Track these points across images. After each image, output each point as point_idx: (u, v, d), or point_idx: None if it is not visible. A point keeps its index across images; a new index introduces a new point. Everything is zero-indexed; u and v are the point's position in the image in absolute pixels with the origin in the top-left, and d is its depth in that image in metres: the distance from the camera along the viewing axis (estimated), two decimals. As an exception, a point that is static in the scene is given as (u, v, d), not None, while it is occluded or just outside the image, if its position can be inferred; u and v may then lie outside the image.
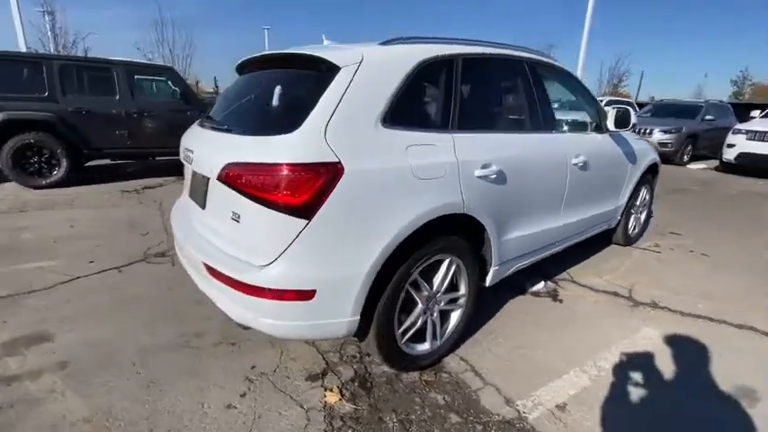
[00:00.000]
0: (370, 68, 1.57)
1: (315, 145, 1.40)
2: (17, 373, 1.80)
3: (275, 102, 1.62)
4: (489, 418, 1.65)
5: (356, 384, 1.82)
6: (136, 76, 5.64)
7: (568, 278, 2.99)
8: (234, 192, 1.48)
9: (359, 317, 1.56)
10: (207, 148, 1.71)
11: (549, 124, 2.40)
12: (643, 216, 3.77)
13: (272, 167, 1.38)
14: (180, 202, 2.34)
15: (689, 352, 2.14)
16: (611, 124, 2.83)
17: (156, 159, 6.29)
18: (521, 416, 1.66)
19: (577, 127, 2.70)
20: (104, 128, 5.34)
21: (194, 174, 1.89)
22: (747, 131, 7.65)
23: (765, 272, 3.24)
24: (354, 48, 1.63)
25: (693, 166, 9.26)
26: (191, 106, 5.97)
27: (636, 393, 1.81)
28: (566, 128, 2.55)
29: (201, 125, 1.97)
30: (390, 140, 1.57)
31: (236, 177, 1.46)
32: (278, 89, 1.64)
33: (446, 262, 1.85)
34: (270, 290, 1.43)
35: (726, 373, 1.96)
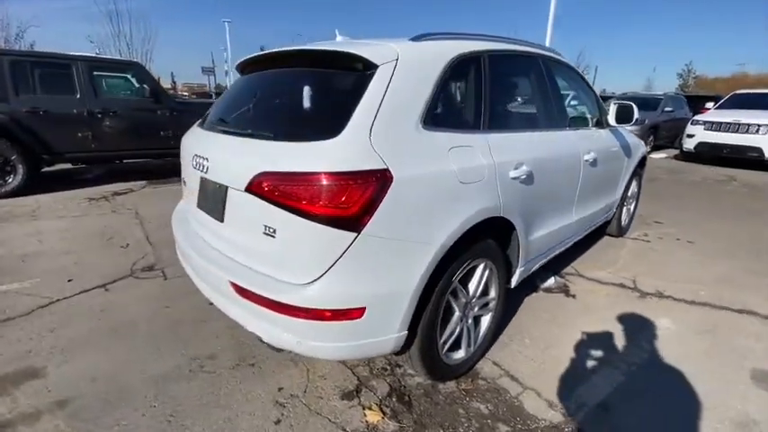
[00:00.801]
0: (407, 66, 1.47)
1: (361, 151, 1.29)
2: (9, 418, 1.57)
3: (307, 103, 1.48)
4: (537, 424, 1.62)
5: (394, 400, 1.73)
6: (99, 73, 5.18)
7: (575, 272, 3.04)
8: (268, 204, 1.34)
9: (407, 331, 1.47)
10: (227, 155, 1.54)
11: (564, 121, 2.40)
12: (632, 207, 3.90)
13: (315, 176, 1.25)
14: (182, 211, 2.14)
15: (706, 340, 2.21)
16: (612, 119, 2.88)
17: (123, 162, 5.83)
18: (567, 419, 1.64)
19: (583, 123, 2.72)
20: (65, 130, 4.87)
21: (205, 182, 1.71)
22: (705, 122, 8.17)
23: (742, 254, 3.45)
24: (384, 44, 1.52)
25: (656, 155, 9.80)
26: (161, 105, 5.57)
27: (668, 384, 1.85)
28: (576, 124, 2.56)
29: (211, 128, 1.78)
30: (433, 143, 1.49)
31: (271, 188, 1.32)
32: (307, 90, 1.50)
33: (481, 266, 1.79)
34: (315, 310, 1.31)
35: (743, 359, 2.04)
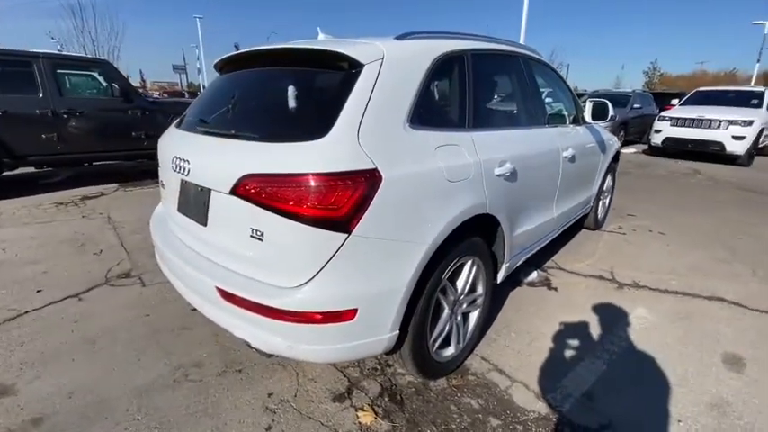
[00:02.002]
0: (392, 65, 1.46)
1: (350, 151, 1.28)
2: (-22, 441, 1.48)
3: (292, 103, 1.44)
4: (526, 416, 1.65)
5: (386, 399, 1.73)
6: (64, 71, 4.92)
7: (556, 266, 3.12)
8: (254, 207, 1.31)
9: (398, 331, 1.47)
10: (209, 157, 1.49)
11: (544, 118, 2.45)
12: (608, 201, 4.04)
13: (304, 178, 1.23)
14: (160, 214, 2.06)
15: (679, 327, 2.31)
16: (588, 116, 2.97)
17: (92, 165, 5.58)
18: (554, 409, 1.68)
19: (561, 120, 2.79)
20: (27, 131, 4.61)
21: (186, 185, 1.65)
22: (671, 118, 8.54)
23: (709, 243, 3.63)
24: (369, 43, 1.51)
25: (626, 150, 10.16)
26: (131, 104, 5.36)
27: (647, 371, 1.92)
28: (555, 121, 2.62)
29: (190, 129, 1.72)
30: (420, 142, 1.49)
31: (258, 191, 1.29)
32: (292, 89, 1.46)
33: (468, 263, 1.81)
34: (306, 313, 1.29)
35: (715, 344, 2.15)
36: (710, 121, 7.95)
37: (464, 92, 1.79)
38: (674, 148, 8.59)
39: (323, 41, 1.56)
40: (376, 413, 1.65)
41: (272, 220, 1.29)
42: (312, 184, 1.23)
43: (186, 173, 1.56)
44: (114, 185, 5.50)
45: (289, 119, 1.46)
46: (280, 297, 1.31)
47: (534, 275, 2.89)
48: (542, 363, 1.97)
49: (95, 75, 5.33)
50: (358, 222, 1.27)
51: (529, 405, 1.71)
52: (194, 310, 2.33)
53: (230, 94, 1.76)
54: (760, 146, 8.18)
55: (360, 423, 1.60)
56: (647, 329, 2.28)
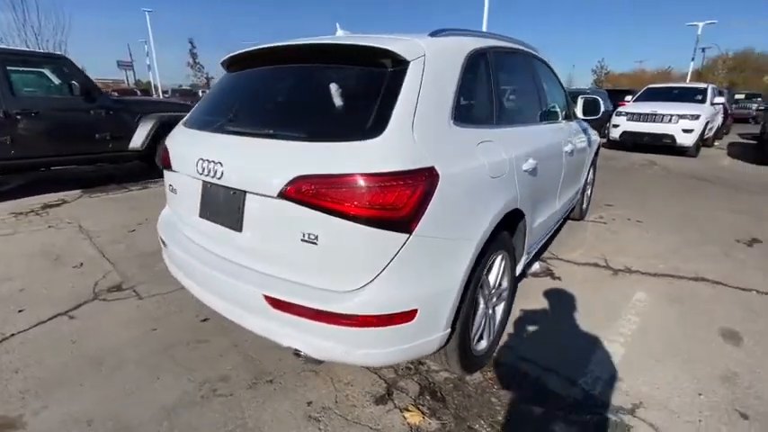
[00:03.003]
0: (434, 62, 1.45)
1: (408, 149, 1.25)
2: (-7, 484, 1.31)
3: (338, 101, 1.39)
4: (564, 402, 1.71)
5: (428, 398, 1.73)
6: (15, 68, 4.45)
7: (553, 256, 3.25)
8: (308, 209, 1.26)
9: (450, 329, 1.47)
10: (248, 159, 1.40)
11: (549, 115, 2.54)
12: (590, 193, 4.26)
13: (364, 178, 1.19)
14: (169, 220, 1.92)
15: (676, 307, 2.49)
16: (579, 112, 3.11)
17: (51, 170, 5.10)
18: (588, 393, 1.76)
19: (561, 116, 2.90)
20: (-26, 135, 4.12)
21: (213, 189, 1.56)
22: (627, 113, 9.14)
23: (681, 228, 3.94)
24: (409, 39, 1.48)
25: (586, 144, 10.76)
26: (94, 103, 4.95)
27: (660, 350, 2.05)
28: (557, 117, 2.72)
29: (214, 129, 1.61)
30: (464, 139, 1.49)
31: (312, 193, 1.24)
32: (335, 86, 1.41)
33: (499, 258, 1.84)
34: (366, 317, 1.26)
35: (710, 321, 2.33)
36: (663, 115, 8.59)
37: (490, 89, 1.81)
38: (631, 141, 9.20)
39: (360, 37, 1.51)
40: (423, 413, 1.64)
41: (329, 223, 1.24)
42: (373, 184, 1.19)
43: (217, 175, 1.46)
44: (77, 192, 5.06)
45: (337, 117, 1.40)
46: (337, 302, 1.27)
47: (537, 267, 3.00)
48: (565, 349, 2.05)
49: (51, 72, 4.86)
50: (418, 222, 1.25)
51: (564, 391, 1.77)
52: (205, 320, 2.24)
53: (255, 92, 1.67)
54: (705, 138, 8.95)
55: (409, 424, 1.59)
56: (650, 312, 2.43)
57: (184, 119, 1.96)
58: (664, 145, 8.71)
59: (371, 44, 1.40)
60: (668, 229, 3.93)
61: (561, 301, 2.53)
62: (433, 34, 1.61)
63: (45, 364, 1.89)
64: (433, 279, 1.34)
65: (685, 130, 8.36)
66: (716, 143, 10.80)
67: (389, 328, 1.30)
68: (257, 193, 1.38)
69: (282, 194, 1.29)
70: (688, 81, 25.68)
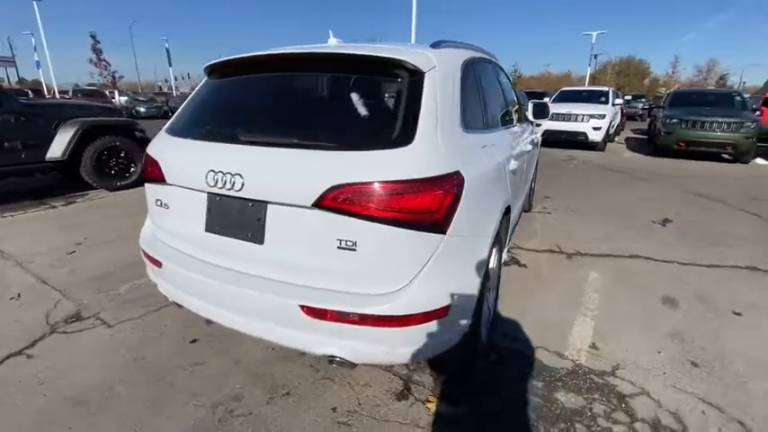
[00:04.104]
0: (443, 72, 1.56)
1: (438, 156, 1.34)
2: None
3: (362, 110, 1.41)
4: (559, 373, 1.93)
5: (444, 387, 1.83)
6: None
7: (514, 245, 3.56)
8: (345, 217, 1.28)
9: (471, 320, 1.59)
10: (275, 170, 1.37)
11: (513, 117, 2.79)
12: (534, 186, 4.72)
13: (403, 185, 1.26)
14: (160, 238, 1.78)
15: (623, 282, 2.90)
16: (530, 115, 3.45)
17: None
18: (576, 363, 2.00)
19: (519, 118, 3.20)
20: None
21: (222, 201, 1.49)
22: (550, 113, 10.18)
23: (609, 214, 4.55)
24: (420, 51, 1.57)
25: (514, 142, 11.76)
26: (0, 108, 4.24)
27: (622, 318, 2.39)
28: (516, 120, 3.00)
29: (225, 139, 1.53)
30: (472, 143, 1.62)
31: (350, 201, 1.27)
32: (356, 96, 1.44)
33: (495, 250, 2.01)
34: (407, 316, 1.33)
35: (652, 291, 2.77)
36: (576, 115, 9.73)
37: (480, 96, 1.97)
38: (552, 139, 10.26)
39: (369, 47, 1.55)
40: (451, 402, 1.74)
41: (368, 229, 1.28)
42: (410, 190, 1.26)
43: (235, 187, 1.41)
44: (-21, 212, 4.30)
45: (364, 127, 1.43)
46: (380, 304, 1.32)
47: (506, 256, 3.27)
48: (547, 327, 2.30)
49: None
50: (450, 223, 1.35)
51: (556, 364, 2.00)
52: (194, 341, 2.10)
53: (270, 100, 1.62)
54: (609, 134, 10.32)
55: (433, 413, 1.68)
56: (605, 288, 2.81)
57: (169, 127, 1.83)
58: (578, 141, 9.86)
59: (389, 55, 1.46)
60: (599, 216, 4.52)
61: (533, 286, 2.81)
62: (435, 46, 1.72)
63: (15, 411, 1.64)
64: (461, 275, 1.45)
65: (595, 128, 9.55)
66: (616, 139, 12.49)
67: (427, 325, 1.37)
68: (286, 204, 1.36)
69: (317, 204, 1.29)
70: (587, 84, 29.23)
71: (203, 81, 1.92)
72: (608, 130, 9.84)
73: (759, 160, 8.70)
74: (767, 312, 2.50)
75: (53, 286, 2.70)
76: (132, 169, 5.39)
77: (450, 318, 1.43)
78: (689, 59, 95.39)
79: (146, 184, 1.84)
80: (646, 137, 12.44)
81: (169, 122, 1.87)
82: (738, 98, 9.47)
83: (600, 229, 4.05)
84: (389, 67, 1.47)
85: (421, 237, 1.30)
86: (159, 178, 1.68)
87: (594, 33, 30.38)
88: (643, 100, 23.98)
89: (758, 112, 9.21)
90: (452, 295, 1.42)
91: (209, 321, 2.26)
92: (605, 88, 11.20)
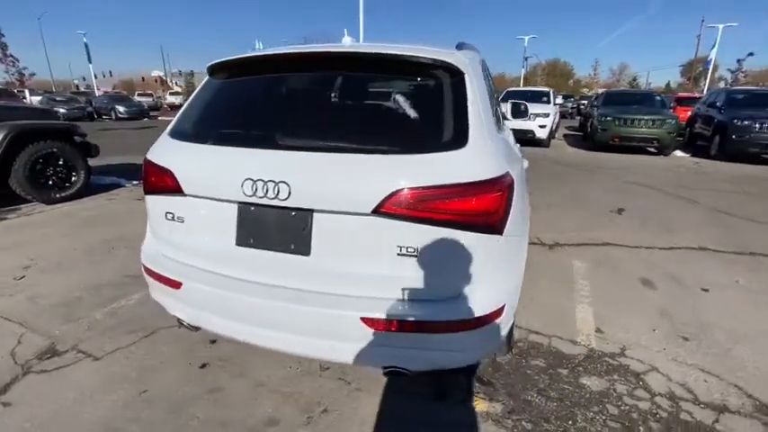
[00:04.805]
0: (474, 74, 1.56)
1: (492, 157, 1.35)
2: None
3: (411, 112, 1.37)
4: (577, 359, 2.05)
5: (478, 385, 1.85)
6: None
7: (500, 240, 3.70)
8: (405, 222, 1.25)
9: (514, 317, 1.62)
10: (327, 176, 1.29)
11: (504, 117, 2.89)
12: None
13: (465, 187, 1.25)
14: (170, 255, 1.60)
15: (602, 267, 3.14)
16: (509, 115, 3.60)
17: None
18: (589, 348, 2.13)
19: (507, 118, 3.32)
20: None
21: (255, 211, 1.38)
22: (498, 112, 10.72)
23: (573, 206, 4.91)
24: (453, 52, 1.57)
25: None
26: None
27: (614, 302, 2.59)
28: (505, 119, 3.11)
29: (257, 144, 1.40)
30: (504, 144, 1.64)
31: (413, 206, 1.23)
32: (401, 97, 1.39)
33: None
34: (472, 319, 1.32)
35: (630, 274, 3.03)
36: (524, 114, 10.36)
37: (493, 96, 2.01)
38: (502, 136, 10.83)
39: (409, 48, 1.51)
40: (482, 399, 1.76)
41: (430, 234, 1.26)
42: (472, 192, 1.26)
43: (281, 196, 1.30)
44: None
45: (416, 128, 1.39)
46: (445, 309, 1.30)
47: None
48: (553, 316, 2.42)
49: None
50: (506, 223, 1.36)
51: (572, 351, 2.11)
52: (204, 366, 1.98)
53: (307, 101, 1.51)
54: (552, 131, 11.12)
55: (479, 412, 1.69)
56: (591, 275, 3.02)
57: (174, 131, 1.64)
58: (527, 139, 10.50)
59: (434, 56, 1.43)
60: (566, 208, 4.85)
61: (526, 277, 2.93)
62: (459, 47, 1.72)
63: (5, 473, 1.38)
64: (513, 274, 1.47)
65: (541, 126, 10.24)
66: (555, 135, 13.50)
67: (490, 326, 1.37)
68: (339, 212, 1.29)
69: (377, 210, 1.24)
70: (521, 85, 31.22)
71: (206, 80, 1.75)
72: (551, 128, 10.60)
73: (678, 152, 9.89)
74: (728, 288, 2.85)
75: (9, 318, 2.32)
76: (73, 178, 4.79)
77: (505, 316, 1.45)
78: (604, 63, 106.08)
79: (149, 197, 1.64)
80: (581, 133, 13.57)
81: (173, 126, 1.68)
82: (658, 98, 10.70)
83: (570, 221, 4.35)
84: (433, 69, 1.45)
85: (482, 239, 1.30)
86: (171, 189, 1.51)
87: (527, 38, 32.55)
88: (572, 100, 26.15)
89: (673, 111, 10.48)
90: (507, 295, 1.44)
91: (212, 342, 2.12)
92: (546, 89, 12.06)
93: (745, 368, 1.99)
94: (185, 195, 1.48)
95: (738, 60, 37.25)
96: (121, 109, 19.61)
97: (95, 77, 37.20)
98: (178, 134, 1.62)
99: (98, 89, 34.91)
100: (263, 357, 1.98)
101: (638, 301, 2.63)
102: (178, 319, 1.67)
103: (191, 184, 1.46)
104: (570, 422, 1.65)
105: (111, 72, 51.15)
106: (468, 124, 1.35)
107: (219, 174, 1.40)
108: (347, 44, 1.82)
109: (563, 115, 22.96)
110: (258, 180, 1.32)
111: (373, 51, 1.44)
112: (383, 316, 1.28)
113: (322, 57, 1.52)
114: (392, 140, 1.34)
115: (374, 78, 1.53)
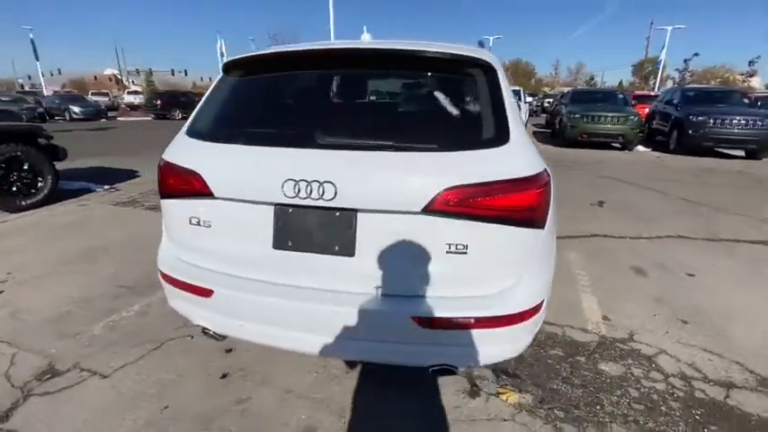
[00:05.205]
0: (501, 71, 1.59)
1: (532, 153, 1.38)
2: None
3: (452, 109, 1.37)
4: (592, 346, 2.13)
5: (505, 377, 1.89)
6: None
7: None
8: (456, 220, 1.26)
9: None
10: (375, 175, 1.26)
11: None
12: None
13: (513, 183, 1.27)
14: (192, 261, 1.52)
15: (595, 258, 3.29)
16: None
17: None
18: (601, 335, 2.23)
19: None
20: None
21: (293, 213, 1.34)
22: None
23: (557, 199, 5.09)
24: (479, 49, 1.58)
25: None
26: None
27: (615, 286, 2.72)
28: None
29: (295, 143, 1.34)
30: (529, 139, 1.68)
31: (463, 203, 1.24)
32: (440, 94, 1.38)
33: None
34: (521, 313, 1.34)
35: (621, 263, 3.18)
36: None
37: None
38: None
39: (440, 45, 1.50)
40: (519, 390, 1.80)
41: (479, 230, 1.27)
42: (519, 187, 1.28)
43: (326, 196, 1.26)
44: None
45: (459, 125, 1.39)
46: (494, 304, 1.31)
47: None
48: (561, 306, 2.50)
49: None
50: (546, 218, 1.40)
51: (586, 339, 2.19)
52: (225, 376, 1.94)
53: (344, 98, 1.46)
54: (524, 129, 11.49)
55: (511, 404, 1.72)
56: (586, 265, 3.15)
57: (193, 130, 1.55)
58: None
59: (466, 53, 1.44)
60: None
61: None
62: (481, 45, 1.74)
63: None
64: (548, 267, 1.51)
65: (514, 123, 10.56)
66: (526, 132, 13.96)
67: (535, 317, 1.40)
68: (388, 211, 1.27)
69: (428, 208, 1.23)
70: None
71: (222, 78, 1.66)
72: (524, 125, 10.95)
73: (640, 147, 10.50)
74: (709, 272, 3.06)
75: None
76: (40, 184, 4.44)
77: (543, 311, 1.48)
78: (563, 63, 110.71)
79: (168, 201, 1.55)
80: (549, 131, 14.10)
81: (190, 125, 1.60)
82: (621, 96, 11.30)
83: (557, 213, 4.50)
84: (468, 66, 1.46)
85: (528, 233, 1.33)
86: (197, 192, 1.43)
87: (491, 38, 33.43)
88: (536, 98, 27.14)
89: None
90: (546, 287, 1.47)
91: (228, 351, 2.04)
92: (517, 87, 12.43)
93: (741, 346, 2.14)
94: (215, 198, 1.41)
95: (685, 60, 39.96)
96: (76, 109, 18.40)
97: (43, 76, 34.60)
98: (199, 134, 1.53)
99: (46, 89, 32.53)
100: (283, 364, 1.92)
101: (635, 289, 2.77)
102: (203, 329, 1.59)
103: (223, 186, 1.39)
104: (598, 407, 1.71)
105: (59, 70, 47.86)
106: (507, 121, 1.37)
107: (257, 175, 1.34)
108: (366, 41, 1.79)
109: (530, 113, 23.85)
110: (301, 180, 1.28)
111: (409, 48, 1.43)
112: (435, 314, 1.28)
113: (355, 53, 1.49)
114: (436, 138, 1.33)
115: (410, 76, 1.52)
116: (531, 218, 1.32)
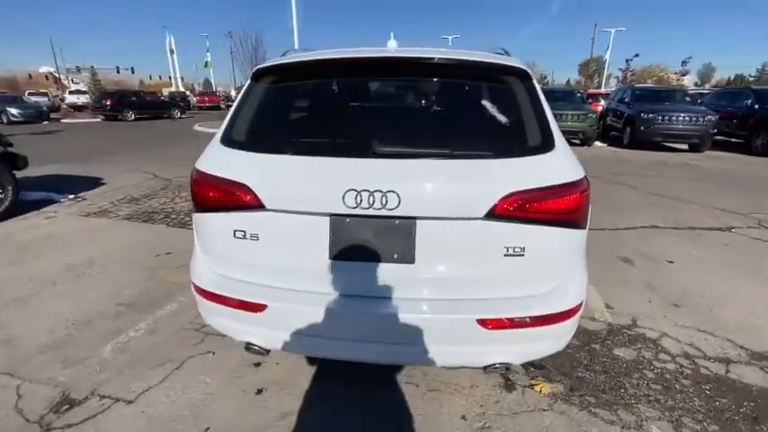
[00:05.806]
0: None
1: (575, 159, 1.46)
2: None
3: (501, 117, 1.41)
4: (603, 333, 2.28)
5: (534, 370, 1.98)
6: None
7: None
8: (515, 224, 1.32)
9: (576, 305, 1.76)
10: (438, 183, 1.28)
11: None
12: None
13: (565, 187, 1.34)
14: (234, 276, 1.47)
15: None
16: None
17: None
18: (608, 323, 2.39)
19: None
20: None
21: (350, 223, 1.34)
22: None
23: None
24: (507, 57, 1.65)
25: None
26: None
27: (610, 276, 2.91)
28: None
29: (351, 153, 1.33)
30: (559, 144, 1.77)
31: (522, 207, 1.30)
32: (488, 102, 1.43)
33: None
34: (573, 309, 1.43)
35: (610, 253, 3.42)
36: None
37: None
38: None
39: (476, 54, 1.55)
40: (549, 381, 1.89)
41: (535, 233, 1.34)
42: (570, 191, 1.36)
43: (389, 206, 1.27)
44: None
45: (510, 132, 1.43)
46: (548, 303, 1.39)
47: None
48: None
49: None
50: (587, 219, 1.49)
51: (596, 327, 2.35)
52: (260, 392, 1.91)
53: (393, 107, 1.46)
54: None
55: (545, 394, 1.82)
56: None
57: (231, 140, 1.50)
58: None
59: (505, 62, 1.50)
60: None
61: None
62: (506, 53, 1.81)
63: None
64: (585, 265, 1.61)
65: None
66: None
67: (579, 313, 1.49)
68: (449, 218, 1.30)
69: (489, 214, 1.28)
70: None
71: (256, 85, 1.60)
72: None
73: (598, 143, 11.21)
74: (686, 258, 3.36)
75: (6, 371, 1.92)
76: (0, 196, 4.04)
77: (584, 306, 1.58)
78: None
79: (209, 215, 1.49)
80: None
81: (224, 134, 1.54)
82: (578, 95, 11.99)
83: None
84: (509, 74, 1.51)
85: (575, 234, 1.41)
86: (245, 205, 1.39)
87: (450, 37, 34.20)
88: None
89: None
90: (586, 283, 1.57)
91: (256, 365, 1.99)
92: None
93: (727, 323, 2.39)
94: (266, 210, 1.38)
95: (627, 60, 42.96)
96: (14, 111, 16.73)
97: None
98: (239, 144, 1.48)
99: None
100: (318, 374, 1.91)
101: (627, 277, 2.99)
102: (247, 344, 1.54)
103: (276, 198, 1.36)
104: (622, 390, 1.85)
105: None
106: (550, 127, 1.45)
107: (315, 186, 1.32)
108: (393, 48, 1.80)
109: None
110: (363, 191, 1.28)
111: (455, 57, 1.46)
112: (498, 316, 1.33)
113: (400, 62, 1.50)
114: (490, 145, 1.38)
115: (453, 84, 1.55)
116: (577, 219, 1.41)
